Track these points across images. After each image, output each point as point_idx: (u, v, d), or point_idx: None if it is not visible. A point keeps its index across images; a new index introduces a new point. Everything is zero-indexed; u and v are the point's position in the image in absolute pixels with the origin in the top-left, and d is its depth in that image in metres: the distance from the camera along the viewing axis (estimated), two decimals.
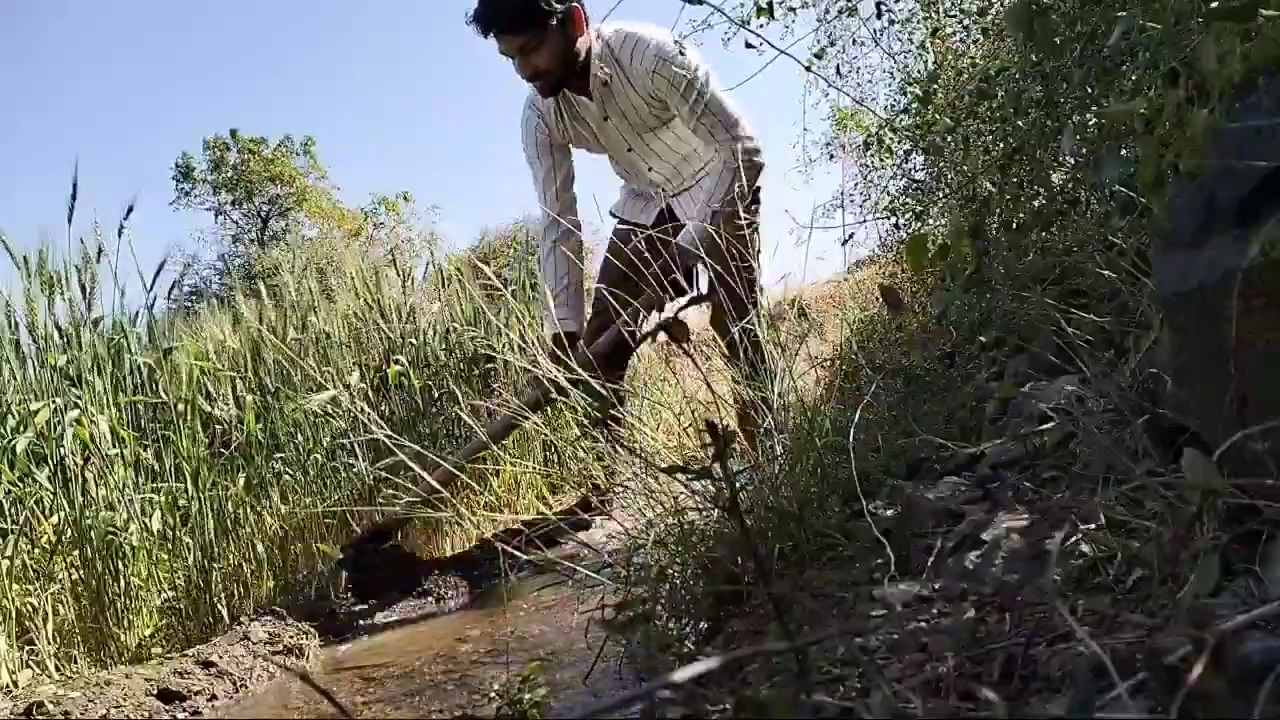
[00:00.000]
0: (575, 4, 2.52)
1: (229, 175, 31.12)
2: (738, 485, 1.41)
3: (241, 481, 2.83)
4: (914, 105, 2.88)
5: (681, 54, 2.55)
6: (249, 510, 2.81)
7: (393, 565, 2.68)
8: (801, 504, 1.33)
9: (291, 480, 3.00)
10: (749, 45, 2.00)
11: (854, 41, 5.14)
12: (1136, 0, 1.16)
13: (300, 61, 51.93)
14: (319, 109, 49.99)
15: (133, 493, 2.50)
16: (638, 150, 2.80)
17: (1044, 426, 1.20)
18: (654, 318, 2.65)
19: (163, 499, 2.56)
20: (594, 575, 1.50)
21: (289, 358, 3.16)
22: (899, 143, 3.38)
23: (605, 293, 2.46)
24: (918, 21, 3.76)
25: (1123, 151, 1.17)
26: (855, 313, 3.20)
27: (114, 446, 2.51)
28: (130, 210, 2.73)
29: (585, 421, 2.22)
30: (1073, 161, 1.77)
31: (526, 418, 2.54)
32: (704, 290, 2.70)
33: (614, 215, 3.11)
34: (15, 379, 2.51)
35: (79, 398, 2.51)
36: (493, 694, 1.17)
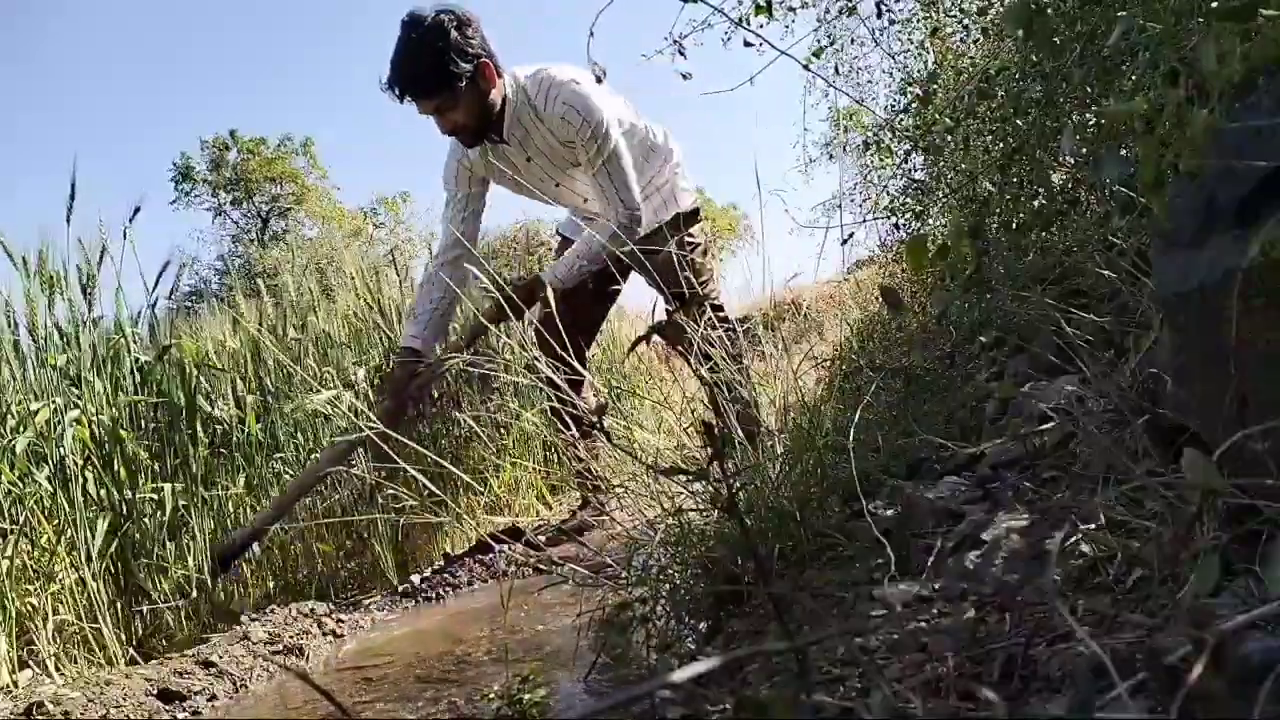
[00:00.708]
0: (484, 59, 2.55)
1: (229, 175, 31.12)
2: (736, 485, 1.41)
3: (241, 481, 2.83)
4: (914, 105, 2.88)
5: (593, 103, 2.58)
6: (249, 510, 2.81)
7: None
8: (801, 504, 1.33)
9: (291, 480, 3.00)
10: (748, 44, 2.00)
11: (853, 41, 5.14)
12: (1136, 0, 1.16)
13: (300, 61, 51.93)
14: (319, 109, 50.00)
15: (133, 493, 2.50)
16: (565, 185, 2.84)
17: (1044, 426, 1.20)
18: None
19: (163, 499, 2.56)
20: (594, 576, 1.50)
21: (289, 358, 3.16)
22: (899, 143, 3.38)
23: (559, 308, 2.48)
24: (918, 21, 3.76)
25: (1123, 151, 1.17)
26: (855, 313, 3.20)
27: (114, 446, 2.51)
28: (137, 210, 2.74)
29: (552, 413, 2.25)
30: (1073, 161, 1.77)
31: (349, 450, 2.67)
32: (662, 318, 2.71)
33: (560, 235, 3.15)
34: (15, 379, 2.50)
35: (79, 398, 2.51)
36: (492, 694, 1.17)
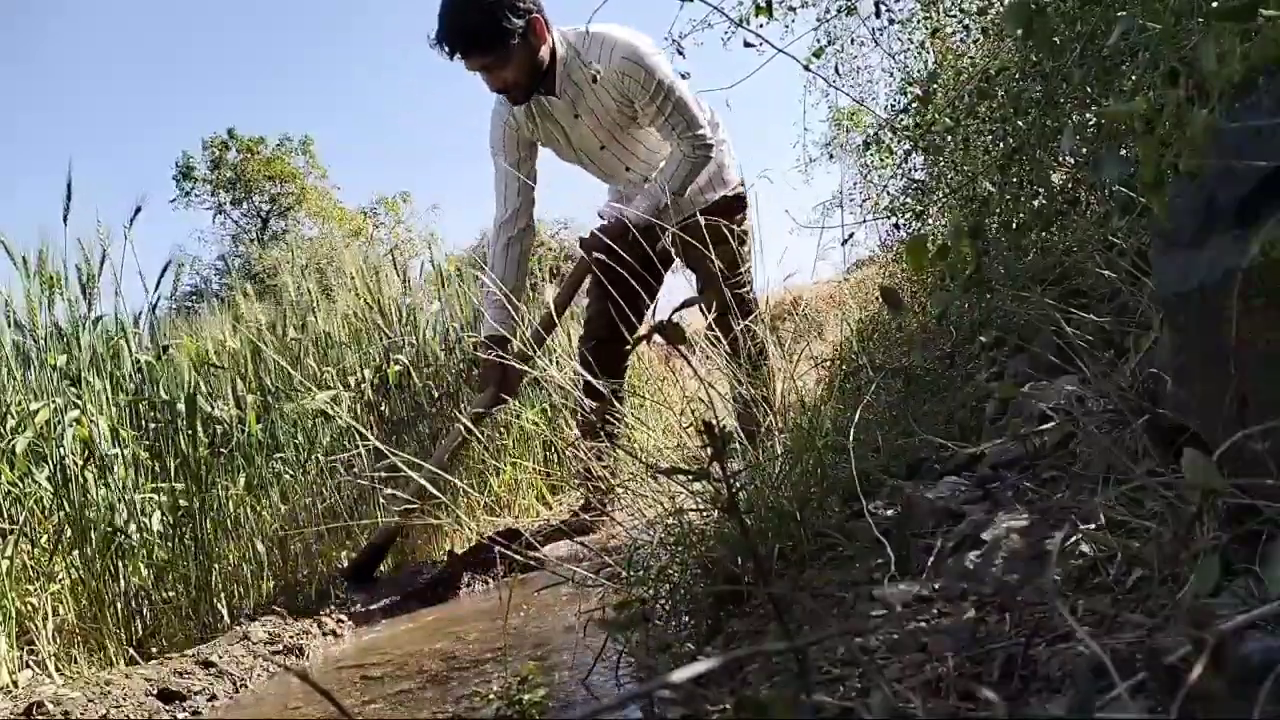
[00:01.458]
0: (535, 14, 2.53)
1: (228, 175, 31.12)
2: (737, 485, 1.41)
3: (241, 481, 2.83)
4: (914, 105, 2.88)
5: (644, 55, 2.58)
6: (249, 510, 2.81)
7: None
8: (801, 504, 1.33)
9: (291, 480, 3.00)
10: (748, 44, 2.00)
11: (853, 41, 5.14)
12: (1136, 0, 1.16)
13: (300, 61, 51.91)
14: (319, 109, 49.96)
15: (133, 493, 2.50)
16: (611, 149, 2.80)
17: (1044, 426, 1.20)
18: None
19: (163, 499, 2.56)
20: (593, 576, 1.50)
21: (289, 358, 3.15)
22: (899, 143, 3.38)
23: (606, 296, 2.48)
24: (918, 21, 3.76)
25: (1123, 151, 1.17)
26: (855, 313, 3.20)
27: (114, 446, 2.51)
28: (138, 211, 2.73)
29: (585, 424, 2.22)
30: (1073, 161, 1.77)
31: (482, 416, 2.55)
32: (696, 295, 2.71)
33: (601, 216, 3.12)
34: (15, 379, 2.50)
35: (78, 398, 2.51)
36: (492, 694, 1.17)
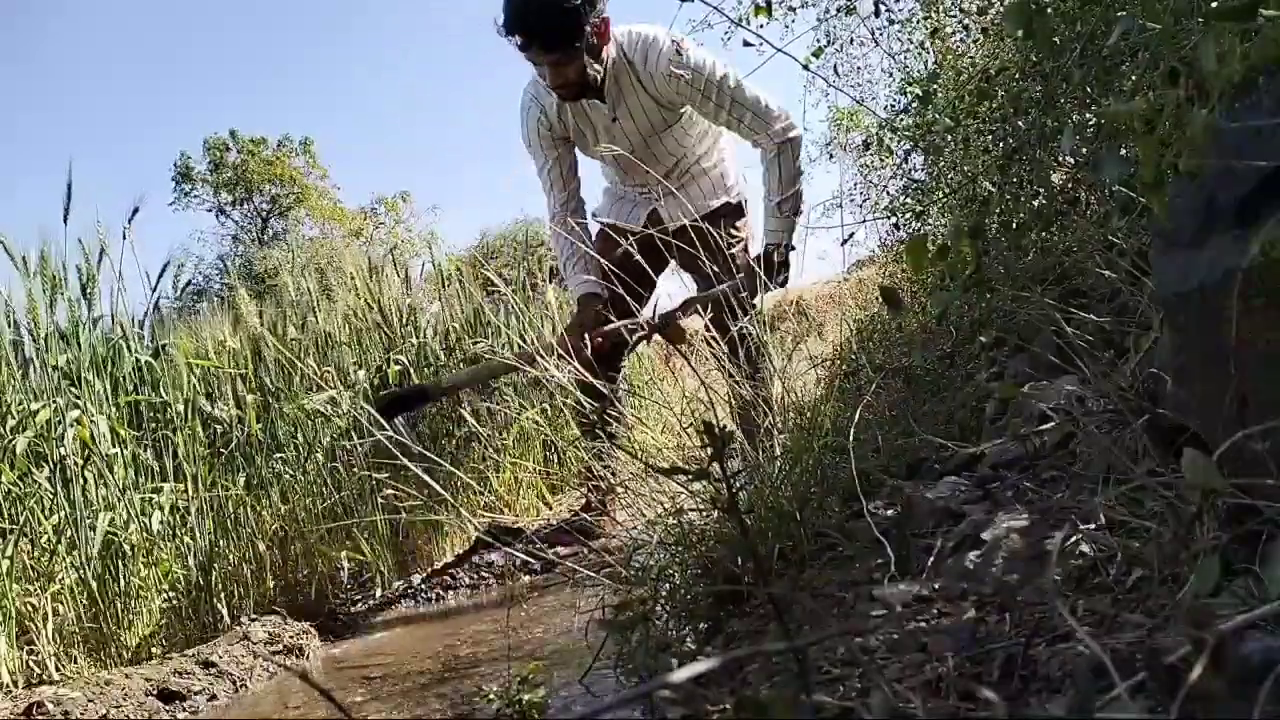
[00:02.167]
0: (605, 15, 2.52)
1: (228, 175, 31.11)
2: (736, 485, 1.41)
3: (241, 481, 2.83)
4: (914, 105, 2.88)
5: (688, 52, 2.57)
6: (249, 510, 2.81)
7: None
8: (801, 504, 1.33)
9: (291, 480, 3.00)
10: (747, 44, 2.00)
11: (852, 40, 5.14)
12: (1136, 0, 1.16)
13: (300, 61, 51.90)
14: (319, 109, 49.96)
15: (133, 493, 2.50)
16: (639, 152, 2.80)
17: (1044, 426, 1.20)
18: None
19: (163, 499, 2.56)
20: (594, 576, 1.50)
21: (289, 358, 3.16)
22: (899, 143, 3.38)
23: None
24: (917, 21, 3.76)
25: (1123, 151, 1.17)
26: (855, 313, 3.20)
27: (114, 446, 2.51)
28: (135, 211, 2.74)
29: (584, 423, 2.22)
30: (1073, 161, 1.77)
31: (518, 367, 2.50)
32: (698, 293, 2.71)
33: (595, 218, 3.12)
34: (15, 379, 2.50)
35: (78, 398, 2.51)
36: (492, 694, 1.17)
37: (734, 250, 2.77)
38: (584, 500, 2.98)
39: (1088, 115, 1.57)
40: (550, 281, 4.41)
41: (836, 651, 0.86)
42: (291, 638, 2.28)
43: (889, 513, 1.26)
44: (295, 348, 3.29)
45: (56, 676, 2.14)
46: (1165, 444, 0.89)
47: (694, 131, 2.82)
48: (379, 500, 2.85)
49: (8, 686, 2.04)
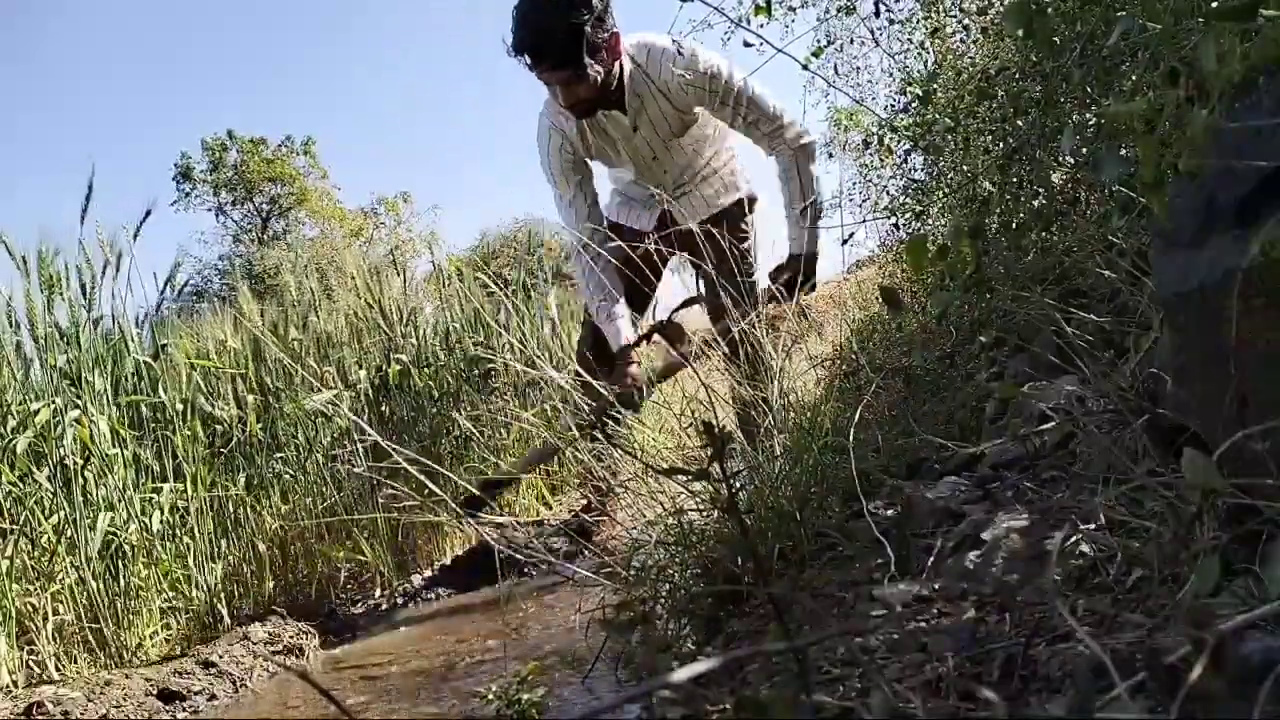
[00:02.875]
0: (616, 31, 2.52)
1: (228, 175, 31.11)
2: (736, 486, 1.41)
3: (241, 481, 2.83)
4: (914, 105, 2.88)
5: (698, 56, 2.59)
6: (249, 510, 2.81)
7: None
8: (801, 504, 1.33)
9: (291, 480, 3.00)
10: (747, 44, 2.00)
11: (852, 40, 5.13)
12: (1136, 0, 1.16)
13: (300, 61, 51.85)
14: (319, 109, 49.90)
15: (133, 493, 2.50)
16: (661, 158, 2.82)
17: (1044, 426, 1.20)
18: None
19: (163, 499, 2.56)
20: (593, 576, 1.50)
21: (290, 358, 3.16)
22: (899, 143, 3.38)
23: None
24: (917, 21, 3.75)
25: (1123, 151, 1.17)
26: (855, 313, 3.20)
27: (114, 446, 2.51)
28: (148, 214, 2.74)
29: (584, 424, 2.22)
30: (1073, 161, 1.77)
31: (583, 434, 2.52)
32: (700, 291, 2.72)
33: (609, 220, 3.11)
34: (15, 379, 2.50)
35: (79, 397, 2.51)
36: (491, 694, 1.17)
37: (745, 246, 2.78)
38: (584, 500, 2.98)
39: (1088, 115, 1.57)
40: (551, 283, 4.41)
41: (836, 651, 0.86)
42: (291, 638, 2.28)
43: (889, 513, 1.26)
44: (296, 348, 3.29)
45: (56, 676, 2.14)
46: (1165, 444, 0.89)
47: (705, 133, 2.84)
48: (379, 500, 2.85)
49: (8, 686, 2.04)
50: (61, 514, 2.34)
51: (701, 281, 2.76)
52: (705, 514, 1.41)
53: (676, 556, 1.39)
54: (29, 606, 2.22)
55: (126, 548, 2.41)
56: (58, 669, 2.18)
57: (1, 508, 2.28)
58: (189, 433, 2.73)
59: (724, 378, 1.99)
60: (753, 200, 2.99)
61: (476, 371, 3.63)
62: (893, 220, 3.60)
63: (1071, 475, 1.10)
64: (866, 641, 0.86)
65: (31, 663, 2.17)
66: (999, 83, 1.93)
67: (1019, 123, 1.79)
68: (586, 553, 1.86)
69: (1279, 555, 0.62)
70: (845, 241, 2.74)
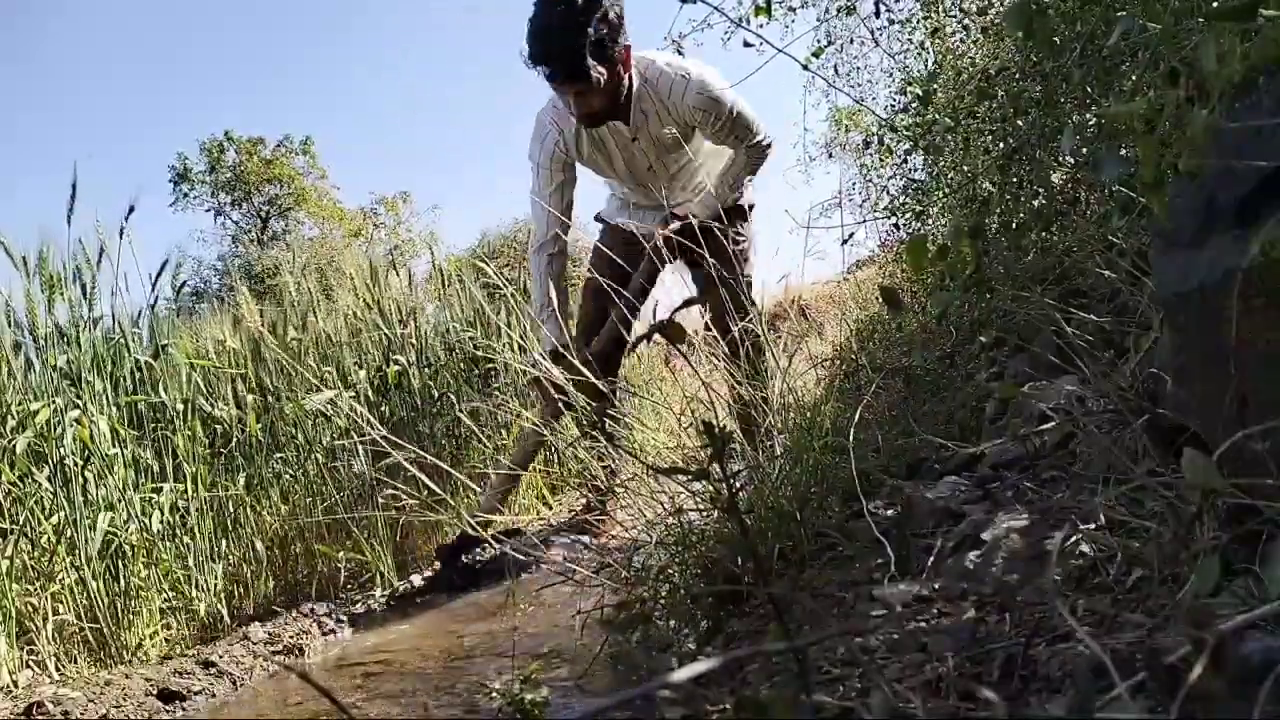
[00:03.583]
0: (628, 44, 2.55)
1: (227, 176, 31.10)
2: (737, 485, 1.41)
3: (241, 481, 2.83)
4: (914, 105, 2.88)
5: (719, 86, 2.65)
6: (249, 510, 2.81)
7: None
8: (801, 504, 1.33)
9: (291, 480, 3.00)
10: (747, 44, 2.00)
11: (852, 40, 5.13)
12: (1136, 0, 1.16)
13: (300, 61, 51.80)
14: (319, 109, 49.86)
15: (133, 493, 2.50)
16: (656, 169, 2.85)
17: (1044, 426, 1.20)
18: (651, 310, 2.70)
19: (163, 499, 2.56)
20: (594, 575, 1.50)
21: (289, 358, 3.16)
22: (899, 143, 3.38)
23: (604, 288, 2.50)
24: (917, 21, 3.75)
25: (1123, 151, 1.17)
26: (855, 313, 3.20)
27: (114, 446, 2.51)
28: (131, 210, 2.73)
29: (584, 423, 2.22)
30: (1073, 161, 1.77)
31: (546, 432, 2.56)
32: (698, 292, 2.73)
33: (602, 220, 3.13)
34: (15, 379, 2.50)
35: (79, 397, 2.51)
36: (493, 693, 1.17)
37: (742, 247, 2.81)
38: (584, 501, 2.98)
39: (1088, 115, 1.57)
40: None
41: (836, 651, 0.86)
42: (291, 637, 2.28)
43: (889, 513, 1.26)
44: (295, 348, 3.29)
45: (56, 676, 2.14)
46: (1165, 444, 0.89)
47: (702, 146, 2.87)
48: (379, 500, 2.85)
49: (8, 686, 2.04)
50: (61, 514, 2.34)
51: (699, 281, 2.78)
52: (705, 514, 1.41)
53: (676, 556, 1.39)
54: (29, 606, 2.22)
55: (126, 548, 2.41)
56: (58, 669, 2.18)
57: (2, 508, 2.28)
58: (189, 433, 2.72)
59: (725, 378, 1.99)
60: (751, 206, 3.04)
61: (477, 371, 3.64)
62: (893, 220, 3.61)
63: (1071, 475, 1.10)
64: (866, 641, 0.86)
65: (31, 663, 2.17)
66: (999, 83, 1.93)
67: (1019, 123, 1.79)
68: (586, 553, 1.86)
69: (1279, 555, 0.62)
70: (845, 241, 2.74)
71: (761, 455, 1.49)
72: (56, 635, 2.23)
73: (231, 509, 2.75)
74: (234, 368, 3.07)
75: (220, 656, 2.11)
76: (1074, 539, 0.87)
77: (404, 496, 2.38)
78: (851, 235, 3.12)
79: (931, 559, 1.03)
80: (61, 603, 2.27)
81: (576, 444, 2.33)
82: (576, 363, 2.00)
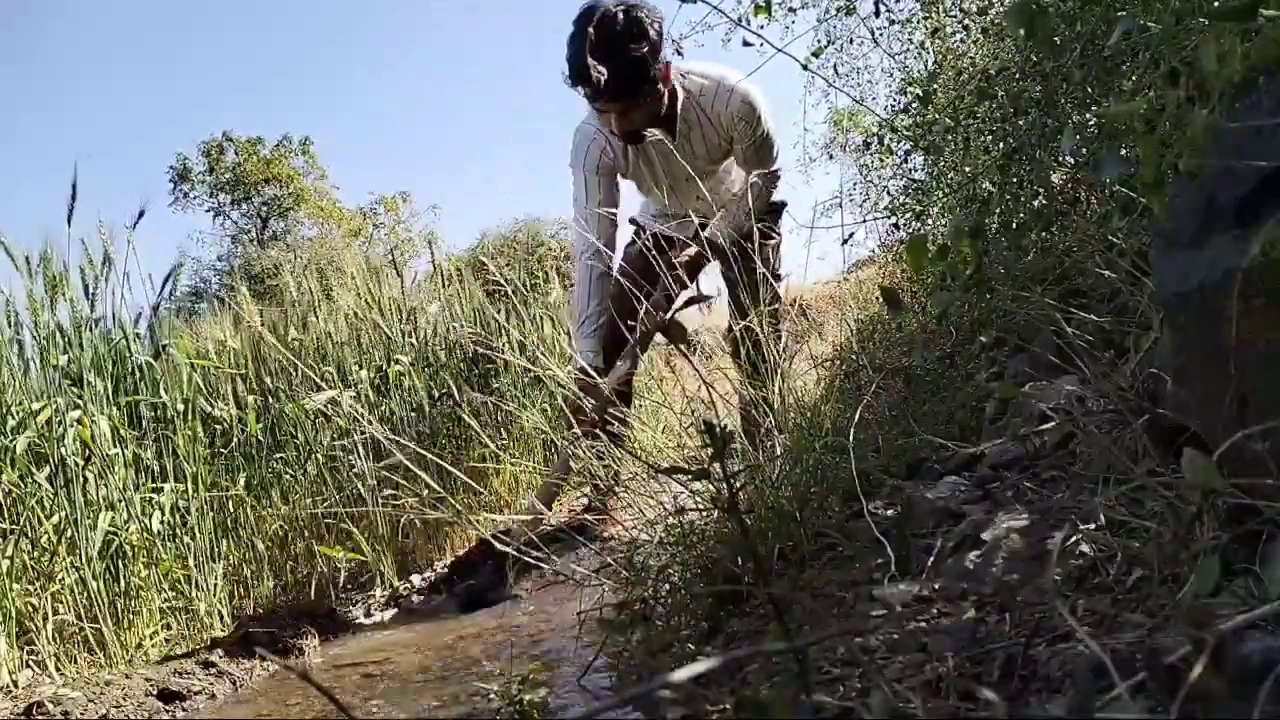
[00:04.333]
0: (668, 61, 2.55)
1: (226, 176, 31.08)
2: (737, 485, 1.41)
3: (241, 481, 2.83)
4: (914, 105, 2.88)
5: (762, 102, 2.70)
6: (249, 510, 2.81)
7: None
8: (801, 504, 1.33)
9: (291, 480, 3.00)
10: (746, 44, 2.00)
11: (852, 40, 5.13)
12: (1136, 0, 1.16)
13: (300, 61, 51.78)
14: (318, 109, 49.82)
15: (133, 493, 2.50)
16: (694, 181, 2.85)
17: (1044, 426, 1.20)
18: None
19: (163, 499, 2.56)
20: (594, 575, 1.50)
21: (289, 358, 3.16)
22: (899, 143, 3.38)
23: (626, 293, 2.50)
24: (917, 21, 3.75)
25: (1123, 151, 1.17)
26: (855, 313, 3.20)
27: (115, 446, 2.51)
28: (141, 214, 2.74)
29: (584, 424, 2.22)
30: (1073, 161, 1.77)
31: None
32: (704, 291, 2.73)
33: (636, 223, 3.12)
34: (16, 379, 2.50)
35: (80, 397, 2.51)
36: (493, 694, 1.17)
37: (774, 241, 2.86)
38: (585, 502, 2.98)
39: (1088, 115, 1.57)
40: (552, 281, 4.42)
41: (836, 651, 0.86)
42: (291, 638, 2.28)
43: (889, 513, 1.26)
44: (295, 348, 3.29)
45: (56, 676, 2.14)
46: (1165, 444, 0.89)
47: (734, 161, 2.90)
48: (379, 500, 2.85)
49: (8, 686, 2.04)
50: (62, 514, 2.34)
51: (727, 286, 2.78)
52: (705, 514, 1.41)
53: (677, 556, 1.39)
54: (29, 606, 2.22)
55: (127, 548, 2.41)
56: (58, 669, 2.18)
57: (2, 507, 2.28)
58: (189, 433, 2.73)
59: (724, 377, 1.99)
60: (784, 204, 3.06)
61: (477, 370, 3.64)
62: (893, 220, 3.61)
63: (1071, 475, 1.10)
64: (866, 641, 0.86)
65: (31, 663, 2.16)
66: (999, 83, 1.93)
67: (1019, 123, 1.79)
68: (587, 553, 1.86)
69: (1279, 555, 0.62)
70: (845, 241, 2.75)
71: (762, 455, 1.49)
72: (56, 635, 2.23)
73: (231, 509, 2.75)
74: (234, 368, 3.07)
75: (220, 656, 2.12)
76: (1074, 539, 0.87)
77: (404, 495, 2.38)
78: (851, 235, 3.12)
79: (931, 559, 1.03)
80: (62, 603, 2.27)
81: (578, 443, 2.33)
82: (599, 380, 1.99)
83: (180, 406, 2.76)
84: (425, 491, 2.46)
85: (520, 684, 1.15)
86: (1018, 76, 1.90)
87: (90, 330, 2.65)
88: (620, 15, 2.45)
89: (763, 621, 1.16)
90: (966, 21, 3.07)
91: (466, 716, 1.45)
